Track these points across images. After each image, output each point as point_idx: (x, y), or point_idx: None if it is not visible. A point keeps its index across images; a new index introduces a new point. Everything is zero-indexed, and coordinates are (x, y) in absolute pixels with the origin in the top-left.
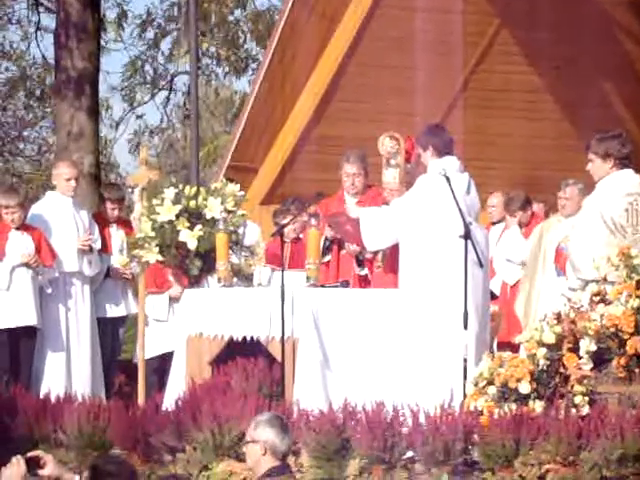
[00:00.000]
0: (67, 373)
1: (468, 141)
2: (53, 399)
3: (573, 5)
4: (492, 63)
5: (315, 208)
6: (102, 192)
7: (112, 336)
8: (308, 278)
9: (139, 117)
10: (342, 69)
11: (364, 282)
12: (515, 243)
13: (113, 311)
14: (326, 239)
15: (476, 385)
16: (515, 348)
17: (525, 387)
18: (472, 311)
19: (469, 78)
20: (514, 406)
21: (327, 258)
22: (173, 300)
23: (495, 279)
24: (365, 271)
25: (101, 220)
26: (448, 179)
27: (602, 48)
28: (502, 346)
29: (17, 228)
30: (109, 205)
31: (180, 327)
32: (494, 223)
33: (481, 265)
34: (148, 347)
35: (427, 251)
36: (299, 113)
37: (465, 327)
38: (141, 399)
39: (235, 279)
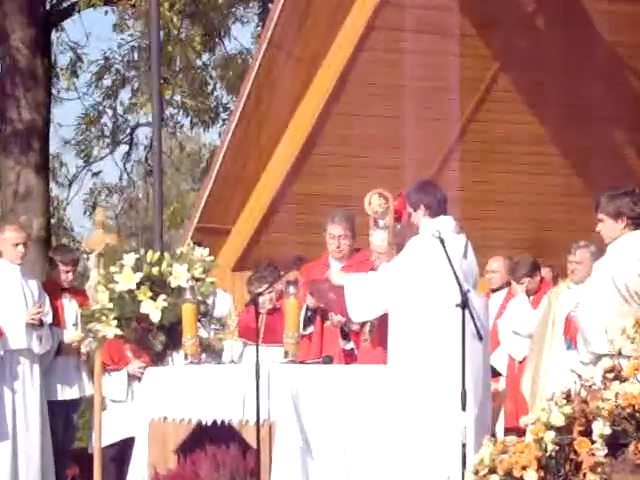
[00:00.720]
0: (13, 465)
1: (465, 198)
2: None
3: (581, 45)
4: (491, 111)
5: (295, 274)
6: (52, 256)
7: (64, 422)
8: (286, 353)
9: (95, 174)
10: (324, 118)
11: (350, 357)
12: (522, 313)
13: (65, 393)
14: (307, 309)
15: (476, 474)
16: (523, 433)
17: (532, 476)
18: (470, 390)
19: (466, 128)
20: None
21: (309, 330)
22: (133, 378)
23: (500, 354)
24: (351, 345)
25: (52, 289)
26: (442, 241)
27: (613, 94)
28: (510, 432)
29: None
30: (62, 268)
31: (141, 410)
32: (494, 290)
33: (480, 338)
34: (105, 433)
35: (419, 322)
36: (276, 167)
37: (463, 408)
38: None
39: (204, 355)
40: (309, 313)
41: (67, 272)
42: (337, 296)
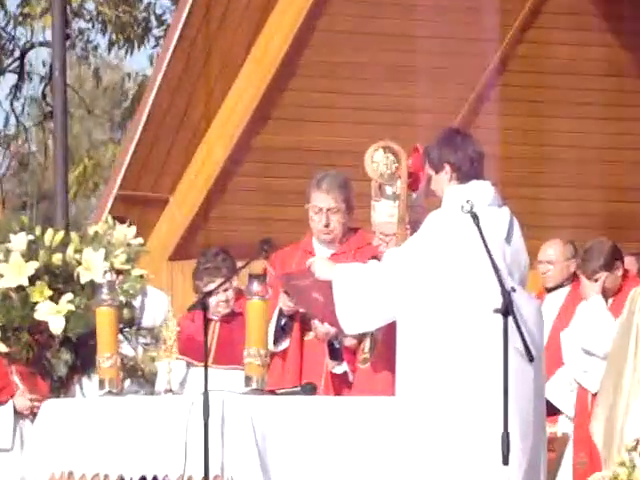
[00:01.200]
0: None
1: (508, 155)
2: None
3: None
4: (544, 28)
5: (262, 265)
6: None
7: None
8: (249, 379)
9: None
10: (301, 39)
11: (342, 385)
12: (598, 324)
13: None
14: (281, 315)
15: None
16: None
17: None
18: (517, 434)
19: (508, 53)
20: None
21: (282, 346)
22: (21, 416)
23: (562, 381)
24: (344, 368)
25: None
26: (476, 217)
27: None
28: None
29: None
30: None
31: (35, 462)
32: (550, 289)
33: (531, 358)
34: None
35: (442, 336)
36: (233, 110)
37: (505, 461)
38: None
39: (128, 382)
40: (283, 321)
41: None
42: (324, 297)
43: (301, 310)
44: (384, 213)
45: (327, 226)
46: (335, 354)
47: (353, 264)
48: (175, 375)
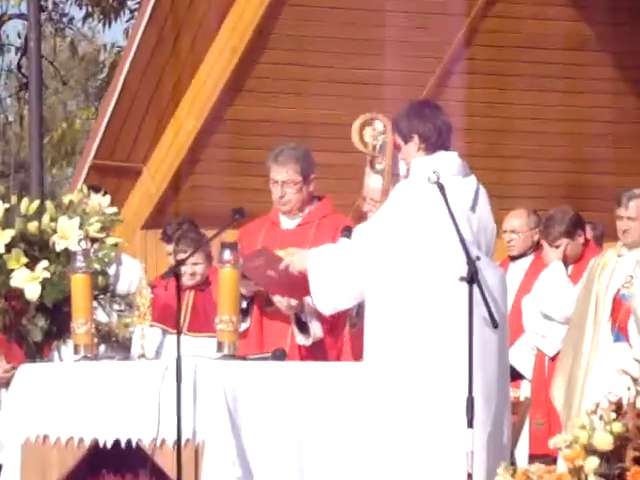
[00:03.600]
0: None
1: (473, 127)
2: None
3: None
4: (511, 2)
5: (233, 235)
6: None
7: None
8: (220, 345)
9: None
10: (273, 11)
11: (308, 354)
12: (558, 289)
13: None
14: (242, 297)
15: None
16: (554, 461)
17: None
18: (481, 398)
19: (475, 26)
20: None
21: (243, 327)
22: None
23: (524, 347)
24: (310, 340)
25: None
26: (442, 187)
27: None
28: (537, 459)
29: None
30: None
31: (11, 426)
32: (515, 257)
33: (495, 325)
34: None
35: (408, 303)
36: (205, 82)
37: (469, 424)
38: None
39: (102, 347)
40: (245, 303)
41: None
42: (277, 273)
43: (259, 289)
44: (377, 183)
45: (281, 197)
46: (302, 326)
47: (325, 246)
48: (149, 341)
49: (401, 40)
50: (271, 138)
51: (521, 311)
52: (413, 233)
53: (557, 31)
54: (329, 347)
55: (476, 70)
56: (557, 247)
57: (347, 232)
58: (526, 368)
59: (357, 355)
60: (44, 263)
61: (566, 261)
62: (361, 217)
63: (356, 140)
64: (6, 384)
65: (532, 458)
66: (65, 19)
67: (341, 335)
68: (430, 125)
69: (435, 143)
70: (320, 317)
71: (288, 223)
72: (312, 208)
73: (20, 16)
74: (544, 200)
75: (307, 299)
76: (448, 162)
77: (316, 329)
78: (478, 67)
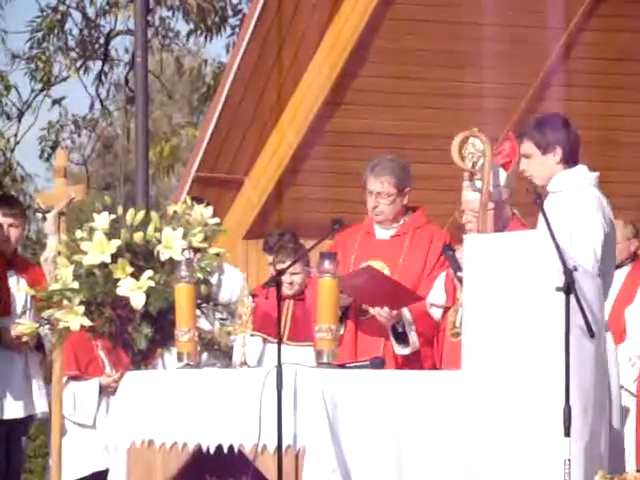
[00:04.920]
0: None
1: None
2: None
3: None
4: (610, 17)
5: (332, 245)
6: None
7: (8, 447)
8: (320, 354)
9: (56, 102)
10: (373, 26)
11: (404, 363)
12: None
13: (10, 410)
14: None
15: None
16: None
17: None
18: (577, 407)
19: (573, 40)
20: None
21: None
22: (106, 392)
23: (621, 357)
24: (409, 350)
25: None
26: (539, 198)
27: None
28: None
29: None
30: (4, 220)
31: (118, 431)
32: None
33: (591, 334)
34: (68, 465)
35: (506, 314)
36: (306, 95)
37: (566, 433)
38: None
39: (205, 355)
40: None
41: (12, 227)
42: (378, 288)
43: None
44: (474, 195)
45: (375, 207)
46: (400, 337)
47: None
48: (251, 349)
49: (499, 53)
50: (370, 150)
51: (619, 321)
52: (526, 244)
53: None
54: (425, 357)
55: (574, 82)
56: None
57: (448, 249)
58: (623, 377)
59: (456, 363)
60: (149, 272)
61: None
62: (459, 228)
63: (455, 156)
64: (114, 391)
65: (639, 472)
66: (171, 34)
67: (437, 346)
68: (571, 138)
69: (573, 156)
70: (417, 328)
71: (382, 233)
72: (407, 219)
73: (128, 32)
74: None
75: (405, 310)
76: (589, 174)
77: (414, 339)
78: (576, 79)
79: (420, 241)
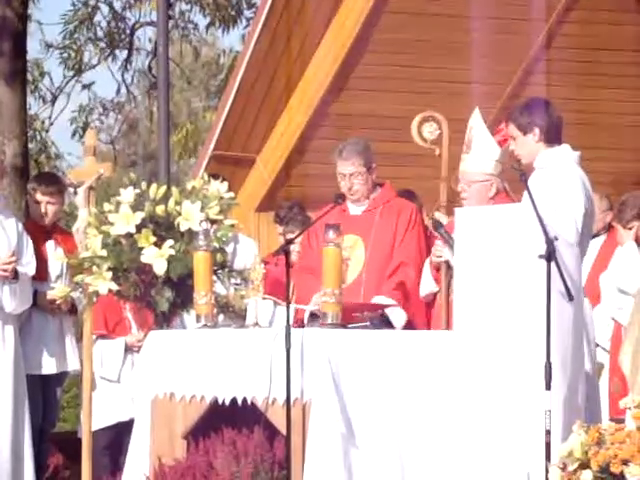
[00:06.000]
0: None
1: None
2: None
3: None
4: (587, 9)
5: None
6: (30, 186)
7: (45, 399)
8: (325, 315)
9: (86, 87)
10: (373, 19)
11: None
12: (631, 266)
13: (44, 366)
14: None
15: (564, 469)
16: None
17: (635, 471)
18: (557, 363)
19: (553, 31)
20: None
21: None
22: (131, 350)
23: (597, 318)
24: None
25: (33, 232)
26: (523, 174)
27: None
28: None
29: None
30: (42, 198)
31: (142, 385)
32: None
33: (570, 298)
34: (97, 414)
35: (493, 279)
36: (312, 81)
37: (547, 386)
38: None
39: (221, 317)
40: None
41: (50, 204)
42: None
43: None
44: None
45: (350, 189)
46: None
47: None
48: (262, 311)
49: (487, 43)
50: (370, 131)
51: (595, 286)
52: (511, 216)
53: (628, 34)
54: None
55: (555, 70)
56: (630, 229)
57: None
58: (599, 336)
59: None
60: (170, 242)
61: (638, 241)
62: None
63: (415, 135)
64: (139, 349)
65: (612, 420)
66: (190, 26)
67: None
68: (549, 119)
69: (553, 136)
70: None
71: (355, 210)
72: (376, 195)
73: (151, 24)
74: (618, 187)
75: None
76: (572, 153)
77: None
78: (557, 67)
79: (389, 214)
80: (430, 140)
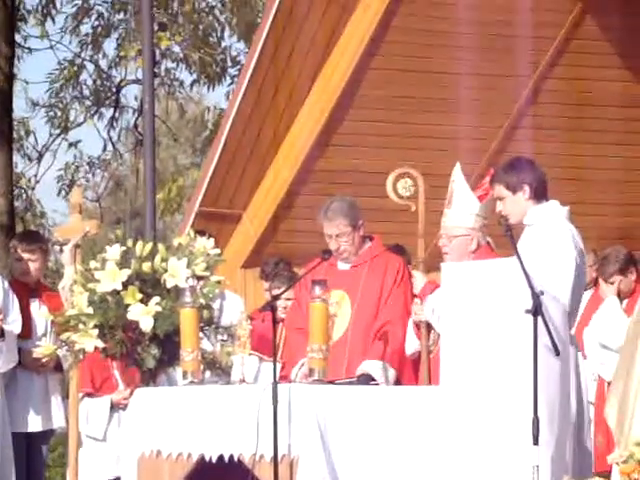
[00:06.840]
0: None
1: None
2: None
3: None
4: (572, 65)
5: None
6: (13, 244)
7: (30, 457)
8: (311, 371)
9: (72, 145)
10: (358, 75)
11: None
12: (613, 321)
13: (32, 423)
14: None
15: None
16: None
17: None
18: (545, 418)
19: (539, 87)
20: None
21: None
22: (117, 408)
23: (586, 372)
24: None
25: (22, 291)
26: (509, 230)
27: None
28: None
29: None
30: (24, 256)
31: (129, 442)
32: None
33: (557, 352)
34: (83, 473)
35: (480, 334)
36: (298, 137)
37: (535, 442)
38: None
39: (207, 373)
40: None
41: (31, 261)
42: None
43: None
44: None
45: (338, 249)
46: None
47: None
48: (248, 367)
49: (473, 99)
50: (355, 187)
51: (581, 340)
52: (498, 271)
53: (612, 90)
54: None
55: (541, 125)
56: (612, 283)
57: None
58: (589, 391)
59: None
60: (156, 299)
61: (620, 295)
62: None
63: (390, 190)
64: (125, 407)
65: (597, 475)
66: (176, 83)
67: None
68: (537, 176)
69: (541, 192)
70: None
71: (344, 265)
72: (364, 250)
73: (136, 81)
74: (601, 242)
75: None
76: (561, 208)
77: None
78: (542, 122)
79: (377, 268)
80: (406, 197)
